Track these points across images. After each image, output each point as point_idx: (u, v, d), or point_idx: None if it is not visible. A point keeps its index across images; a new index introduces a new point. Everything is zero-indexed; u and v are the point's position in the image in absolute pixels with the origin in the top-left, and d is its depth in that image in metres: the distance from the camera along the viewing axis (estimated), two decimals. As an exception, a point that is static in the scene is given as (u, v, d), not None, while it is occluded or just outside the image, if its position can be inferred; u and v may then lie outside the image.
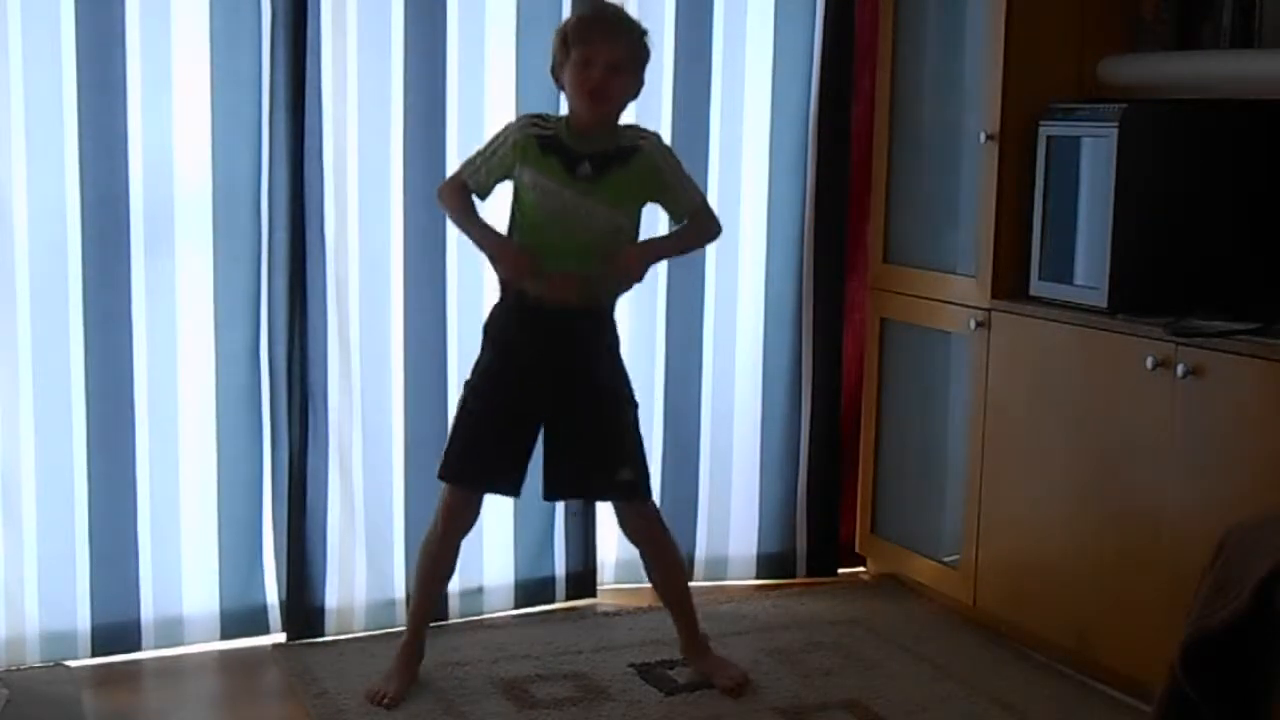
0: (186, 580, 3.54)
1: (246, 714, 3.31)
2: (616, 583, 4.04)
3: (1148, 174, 3.31)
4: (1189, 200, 3.36)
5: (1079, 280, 3.41)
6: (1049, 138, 3.47)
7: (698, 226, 3.35)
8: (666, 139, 3.91)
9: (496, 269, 3.26)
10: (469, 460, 3.27)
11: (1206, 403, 3.01)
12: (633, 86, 3.22)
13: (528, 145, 3.18)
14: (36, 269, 3.34)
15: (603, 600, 3.95)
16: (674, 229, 3.38)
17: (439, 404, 3.70)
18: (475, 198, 3.26)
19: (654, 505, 3.42)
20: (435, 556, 3.34)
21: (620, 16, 3.27)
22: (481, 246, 3.26)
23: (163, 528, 3.50)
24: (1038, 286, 3.52)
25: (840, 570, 4.22)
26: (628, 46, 3.17)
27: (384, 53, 3.57)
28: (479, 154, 3.27)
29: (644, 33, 3.22)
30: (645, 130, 3.35)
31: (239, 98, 3.44)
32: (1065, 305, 3.41)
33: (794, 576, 4.16)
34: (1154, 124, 3.32)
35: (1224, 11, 3.34)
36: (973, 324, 3.65)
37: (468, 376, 3.32)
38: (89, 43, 3.30)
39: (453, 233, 3.66)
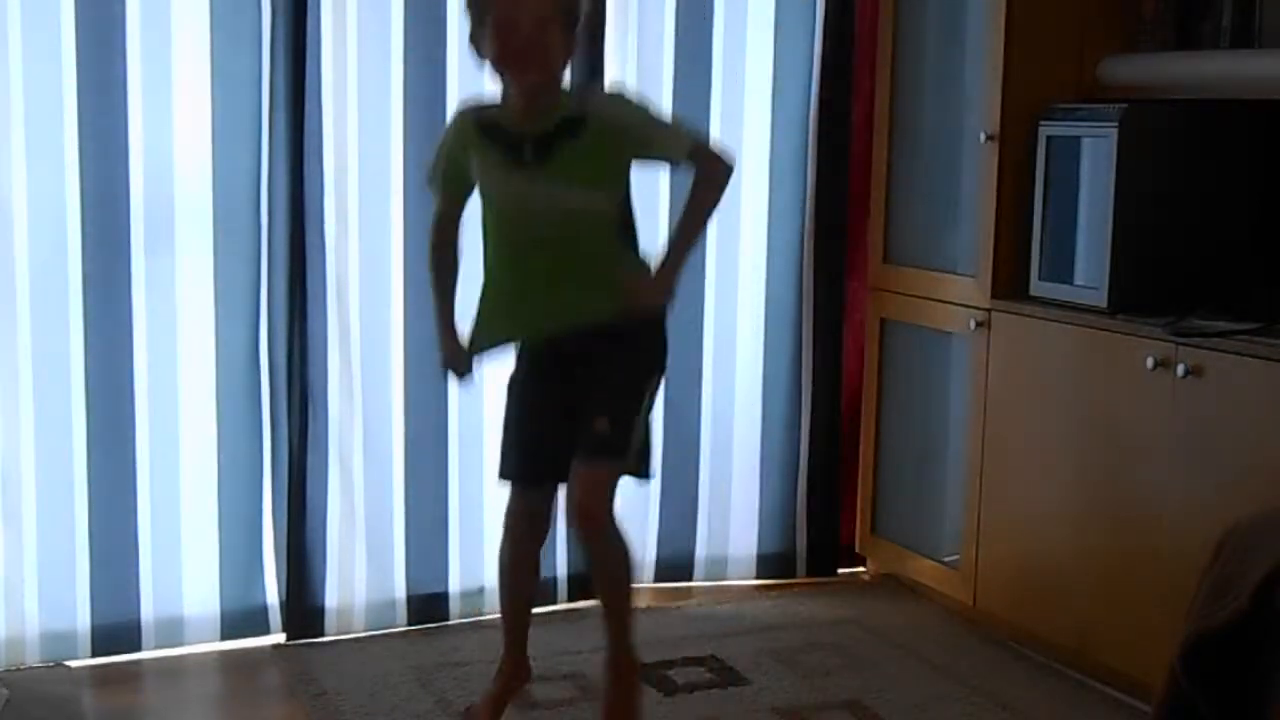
0: (186, 580, 3.54)
1: (246, 714, 3.30)
2: (616, 583, 4.03)
3: (1148, 174, 3.31)
4: (1189, 200, 3.36)
5: (1079, 280, 3.41)
6: (1049, 138, 3.47)
7: (704, 175, 2.86)
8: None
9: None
10: None
11: (1206, 403, 3.01)
12: (568, 45, 2.73)
13: (466, 131, 2.80)
14: (36, 269, 3.34)
15: (603, 600, 3.95)
16: (684, 204, 2.91)
17: (439, 403, 3.70)
18: (457, 218, 2.90)
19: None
20: None
21: None
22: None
23: (163, 528, 3.50)
24: (1038, 286, 3.52)
25: (840, 570, 4.22)
26: None
27: (384, 52, 3.57)
28: (434, 160, 2.90)
29: None
30: (597, 91, 2.91)
31: (239, 98, 3.44)
32: (1065, 305, 3.41)
33: (794, 576, 4.16)
34: (1154, 124, 3.32)
35: (1224, 11, 3.34)
36: (973, 324, 3.65)
37: None
38: (89, 43, 3.30)
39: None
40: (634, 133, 2.79)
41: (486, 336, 2.91)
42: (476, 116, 2.81)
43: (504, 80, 2.75)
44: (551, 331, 2.87)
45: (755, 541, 4.13)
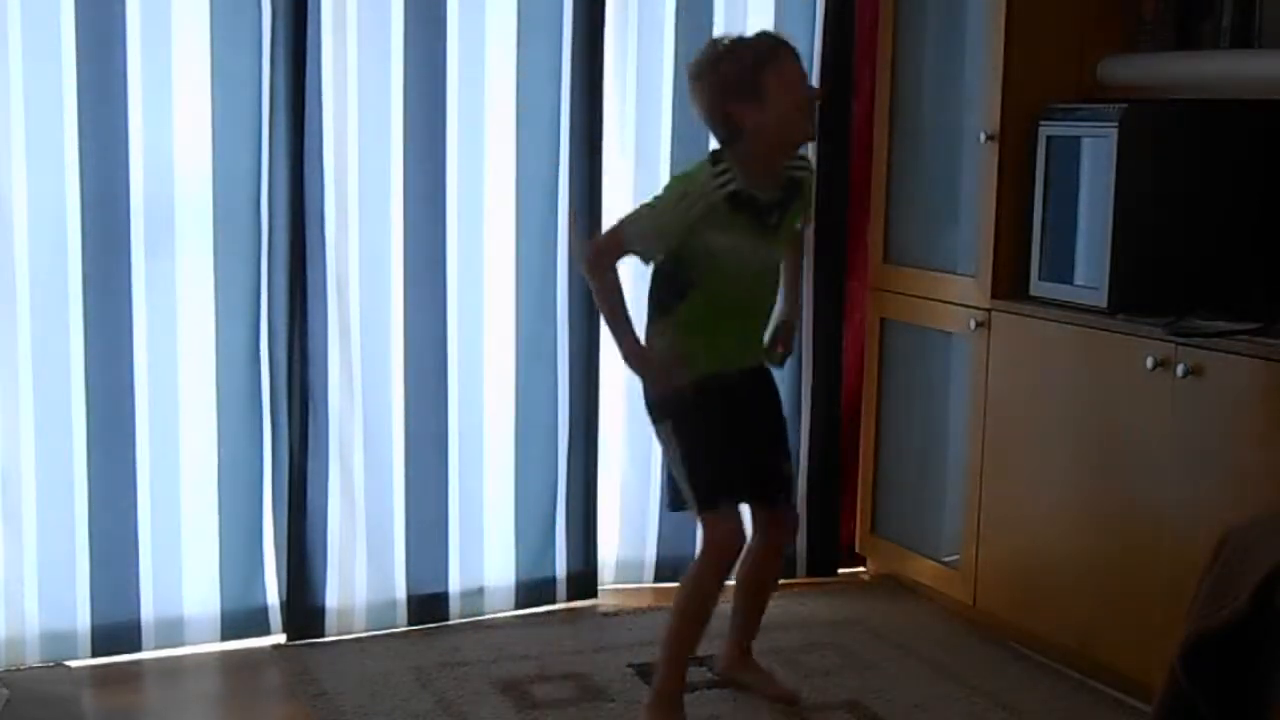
0: (186, 580, 3.54)
1: (246, 714, 3.30)
2: (617, 583, 4.04)
3: (1148, 174, 3.31)
4: (1189, 200, 3.36)
5: (1079, 280, 3.42)
6: (1049, 138, 3.47)
7: (800, 248, 3.33)
8: (665, 140, 3.92)
9: (644, 380, 3.09)
10: None
11: (1206, 403, 3.01)
12: None
13: (717, 208, 2.91)
14: (36, 269, 3.34)
15: (603, 601, 3.94)
16: (790, 271, 3.24)
17: (439, 403, 3.70)
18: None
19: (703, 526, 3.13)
20: None
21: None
22: (626, 357, 3.01)
23: (163, 528, 3.50)
24: (1038, 286, 3.52)
25: (840, 570, 4.22)
26: None
27: (384, 53, 3.56)
28: (649, 218, 2.95)
29: None
30: (801, 157, 3.11)
31: (239, 98, 3.44)
32: (1065, 305, 3.41)
33: (794, 576, 4.15)
34: (1154, 124, 3.32)
35: (1224, 11, 3.34)
36: (973, 324, 3.65)
37: None
38: (89, 43, 3.30)
39: (453, 232, 3.67)
40: (809, 199, 3.16)
41: (695, 370, 3.03)
42: (727, 192, 2.92)
43: (757, 152, 2.94)
44: (740, 368, 3.12)
45: (755, 541, 4.12)
